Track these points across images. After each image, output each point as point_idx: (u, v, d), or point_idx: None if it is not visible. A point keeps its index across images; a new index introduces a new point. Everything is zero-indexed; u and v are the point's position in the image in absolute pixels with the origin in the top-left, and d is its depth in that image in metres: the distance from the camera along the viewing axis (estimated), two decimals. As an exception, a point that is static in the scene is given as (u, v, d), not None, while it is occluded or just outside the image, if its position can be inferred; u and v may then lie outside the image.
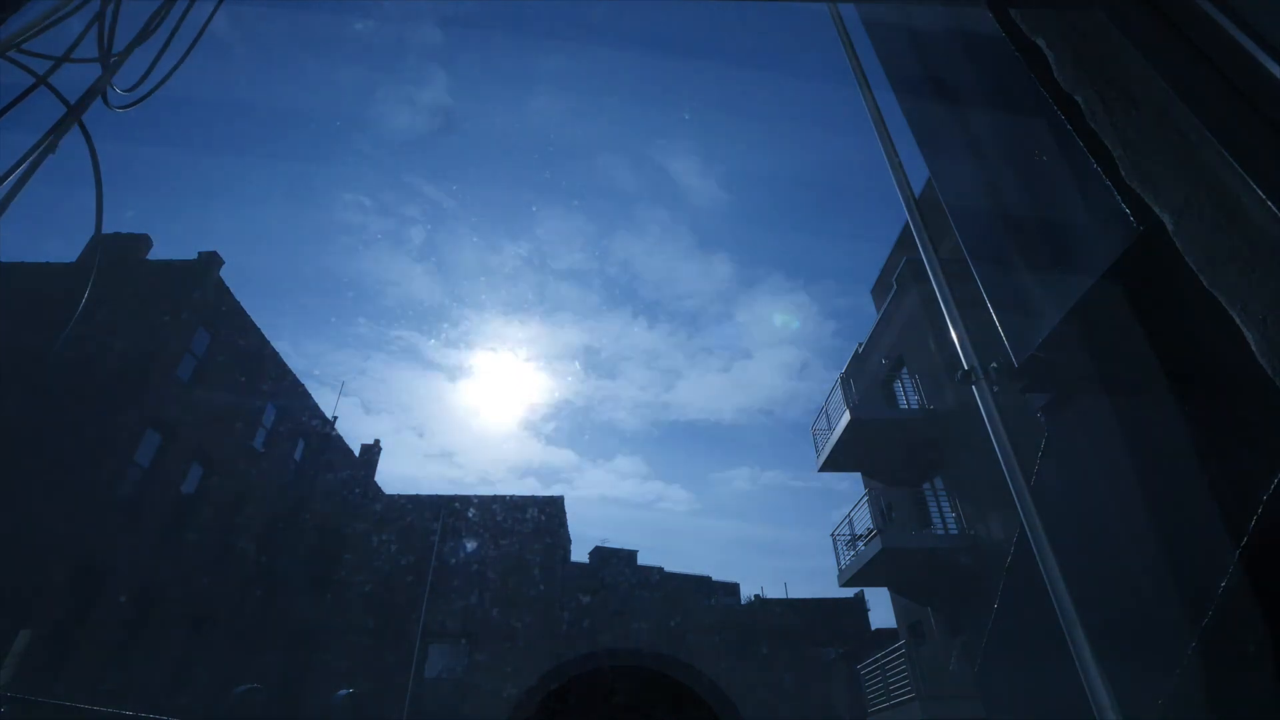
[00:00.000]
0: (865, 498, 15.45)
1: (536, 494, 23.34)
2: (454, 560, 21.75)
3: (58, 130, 1.35)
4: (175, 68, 1.71)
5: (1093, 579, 1.51)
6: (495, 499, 22.91)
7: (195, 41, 1.75)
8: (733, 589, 38.52)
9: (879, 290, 22.03)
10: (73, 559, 13.97)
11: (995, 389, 1.77)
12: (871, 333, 19.61)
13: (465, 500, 22.78)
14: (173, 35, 1.65)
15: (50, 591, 13.38)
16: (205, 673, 18.09)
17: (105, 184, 1.57)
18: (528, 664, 19.71)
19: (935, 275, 2.09)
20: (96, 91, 1.46)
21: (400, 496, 23.13)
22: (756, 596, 34.25)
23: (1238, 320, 0.96)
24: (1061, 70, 1.41)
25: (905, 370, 17.49)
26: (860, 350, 20.31)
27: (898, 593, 17.62)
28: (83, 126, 1.42)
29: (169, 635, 16.90)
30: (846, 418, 16.36)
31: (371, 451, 30.46)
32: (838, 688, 23.85)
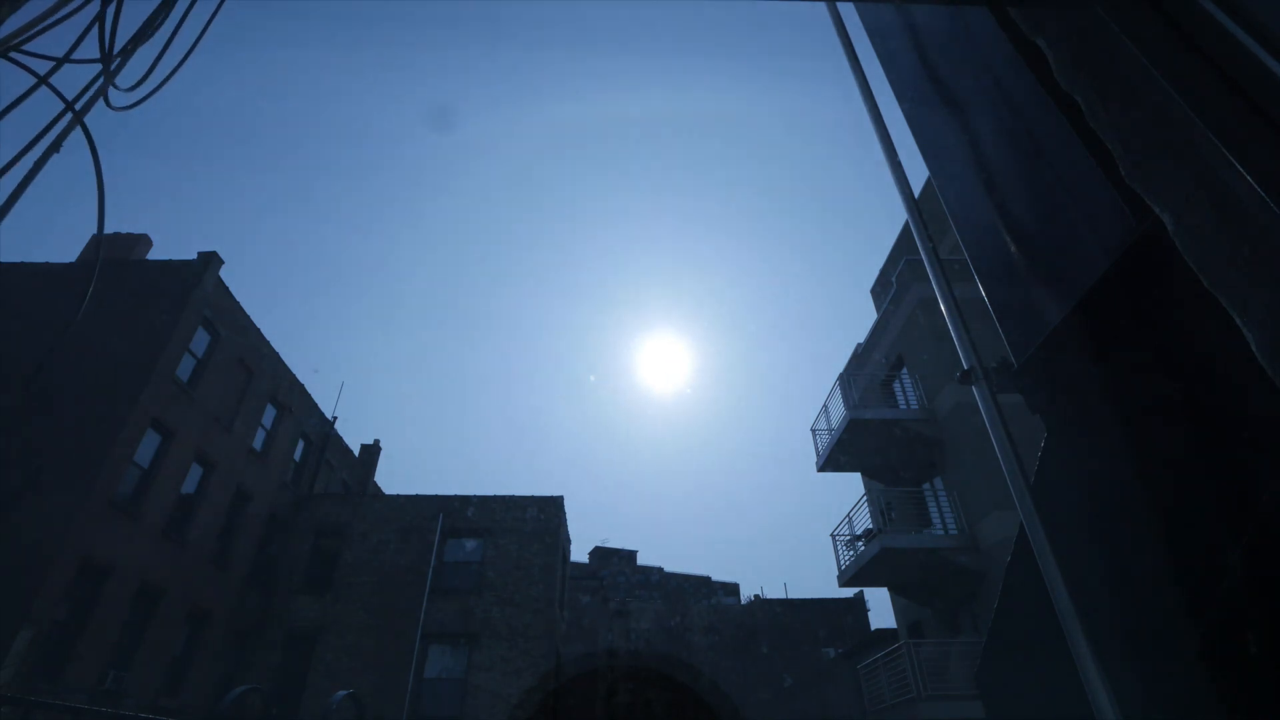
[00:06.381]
0: (865, 498, 15.45)
1: (536, 494, 23.31)
2: (454, 560, 21.74)
3: (61, 131, 1.35)
4: (177, 68, 1.70)
5: (1093, 579, 1.51)
6: (495, 498, 22.90)
7: (197, 42, 1.75)
8: (733, 589, 38.62)
9: (879, 290, 22.04)
10: (73, 558, 13.97)
11: (995, 389, 1.77)
12: (871, 332, 19.62)
13: (465, 500, 22.77)
14: (173, 35, 1.65)
15: (50, 591, 13.37)
16: (205, 673, 18.09)
17: (106, 185, 1.57)
18: (528, 664, 19.71)
19: (935, 275, 2.09)
20: (98, 92, 1.46)
21: (400, 496, 23.12)
22: (756, 596, 34.31)
23: (1238, 320, 0.96)
24: (1061, 69, 1.41)
25: (905, 370, 17.50)
26: (859, 350, 20.31)
27: (898, 593, 17.62)
28: (84, 127, 1.42)
29: (168, 635, 16.90)
30: (846, 417, 16.37)
31: (371, 451, 30.50)
32: (838, 688, 23.84)
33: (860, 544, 15.56)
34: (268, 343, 21.79)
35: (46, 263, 17.90)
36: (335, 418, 26.68)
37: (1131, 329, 1.47)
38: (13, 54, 1.29)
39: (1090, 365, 1.61)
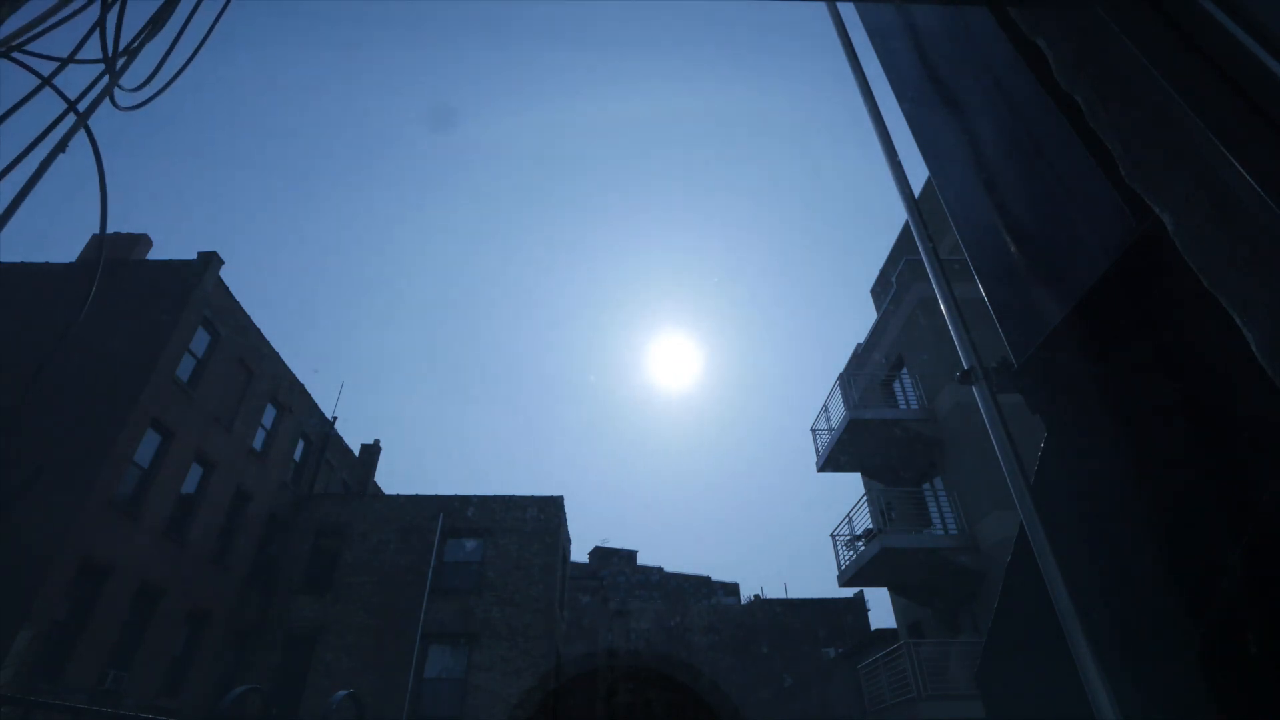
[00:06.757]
0: (865, 498, 15.45)
1: (536, 494, 23.31)
2: (454, 560, 21.74)
3: (66, 132, 1.35)
4: (183, 68, 1.71)
5: (1093, 579, 1.51)
6: (495, 498, 22.90)
7: (203, 41, 1.75)
8: (733, 589, 38.64)
9: (879, 290, 22.04)
10: (73, 558, 13.97)
11: (995, 389, 1.77)
12: (871, 332, 19.62)
13: (465, 500, 22.77)
14: (179, 35, 1.65)
15: (50, 591, 13.37)
16: (205, 673, 18.09)
17: (107, 184, 1.57)
18: (528, 664, 19.70)
19: (935, 275, 2.09)
20: (102, 93, 1.46)
21: (400, 496, 23.12)
22: (756, 596, 34.33)
23: (1238, 320, 0.96)
24: (1061, 69, 1.41)
25: (905, 370, 17.50)
26: (859, 350, 20.32)
27: (898, 593, 17.62)
28: (87, 129, 1.42)
29: (168, 635, 16.90)
30: (846, 417, 16.36)
31: (371, 451, 30.50)
32: (838, 688, 23.83)
33: (860, 544, 15.55)
34: (268, 343, 21.79)
35: (46, 263, 17.90)
36: (335, 418, 26.69)
37: (1131, 329, 1.47)
38: (15, 54, 1.29)
39: (1090, 365, 1.61)
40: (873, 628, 24.74)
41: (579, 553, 37.77)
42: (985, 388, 1.77)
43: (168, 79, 1.66)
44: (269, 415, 22.01)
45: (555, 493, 23.64)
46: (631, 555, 40.15)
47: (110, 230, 21.48)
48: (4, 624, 12.43)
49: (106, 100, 1.54)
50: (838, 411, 17.32)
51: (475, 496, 22.89)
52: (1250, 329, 0.94)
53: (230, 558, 19.49)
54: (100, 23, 1.45)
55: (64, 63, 1.37)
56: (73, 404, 14.99)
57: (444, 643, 20.20)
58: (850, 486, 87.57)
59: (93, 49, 1.44)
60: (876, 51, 2.71)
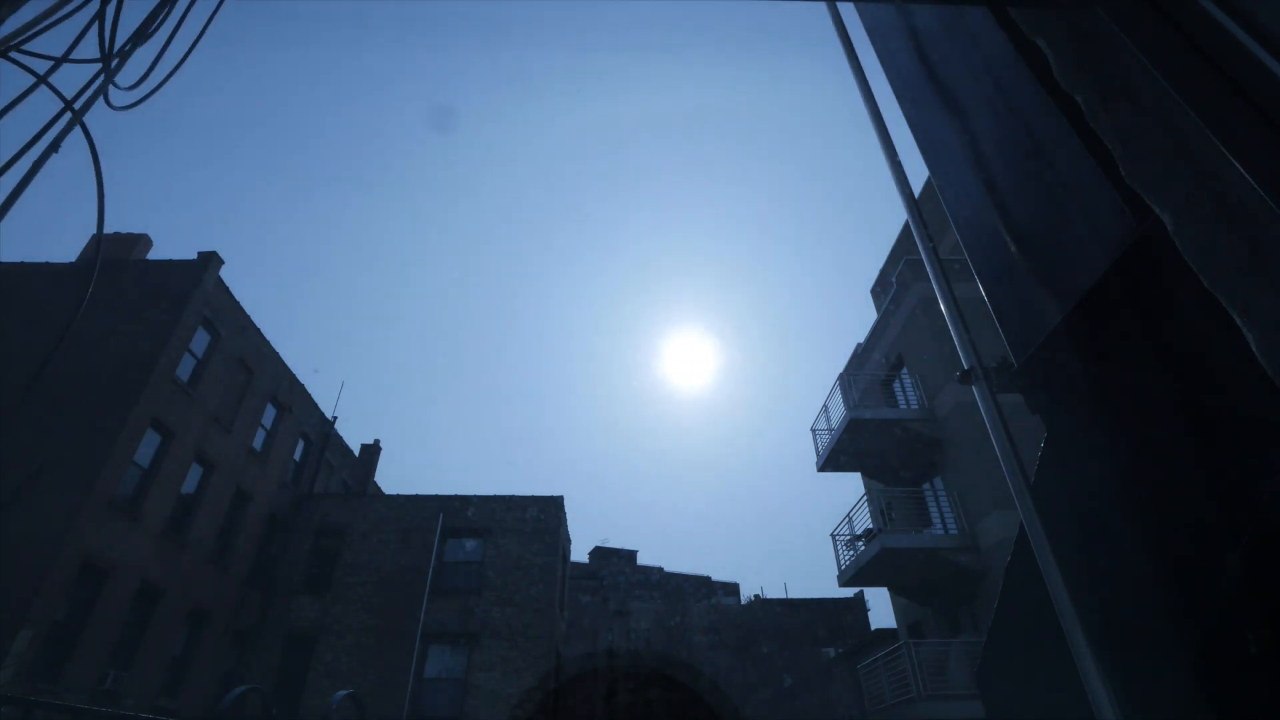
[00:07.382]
0: (865, 498, 15.45)
1: (536, 494, 23.31)
2: (454, 560, 21.74)
3: (60, 131, 1.35)
4: (176, 68, 1.71)
5: (1093, 579, 1.51)
6: (495, 498, 22.89)
7: (197, 41, 1.75)
8: (733, 589, 38.63)
9: (879, 290, 22.04)
10: (73, 558, 13.97)
11: (995, 389, 1.77)
12: (871, 332, 19.63)
13: (465, 500, 22.76)
14: (173, 35, 1.65)
15: (50, 591, 13.37)
16: (205, 673, 18.09)
17: (106, 184, 1.57)
18: (528, 664, 19.70)
19: (935, 275, 2.09)
20: (98, 91, 1.46)
21: (400, 496, 23.11)
22: (756, 596, 34.32)
23: (1238, 320, 0.96)
24: (1061, 70, 1.41)
25: (905, 370, 17.50)
26: (859, 350, 20.32)
27: (898, 593, 17.62)
28: (84, 127, 1.42)
29: (168, 635, 16.91)
30: (846, 417, 16.37)
31: (371, 451, 30.51)
32: (838, 688, 23.84)
33: (860, 544, 15.56)
34: (268, 343, 21.79)
35: (46, 262, 17.90)
36: (335, 418, 26.69)
37: (1131, 329, 1.47)
38: (12, 54, 1.29)
39: (1090, 365, 1.61)
40: (873, 628, 24.74)
41: (579, 553, 37.75)
42: (985, 388, 1.76)
43: (162, 78, 1.66)
44: (269, 415, 22.01)
45: (555, 493, 23.64)
46: (631, 555, 40.14)
47: (110, 230, 21.41)
48: (4, 624, 12.43)
49: (113, 102, 1.54)
50: (838, 411, 17.32)
51: (475, 496, 22.88)
52: (1250, 329, 0.94)
53: (230, 558, 19.49)
54: (100, 15, 1.45)
55: (59, 61, 1.37)
56: (73, 404, 14.99)
57: (444, 643, 20.20)
58: (850, 486, 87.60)
59: (89, 49, 1.44)
60: (876, 51, 2.71)
